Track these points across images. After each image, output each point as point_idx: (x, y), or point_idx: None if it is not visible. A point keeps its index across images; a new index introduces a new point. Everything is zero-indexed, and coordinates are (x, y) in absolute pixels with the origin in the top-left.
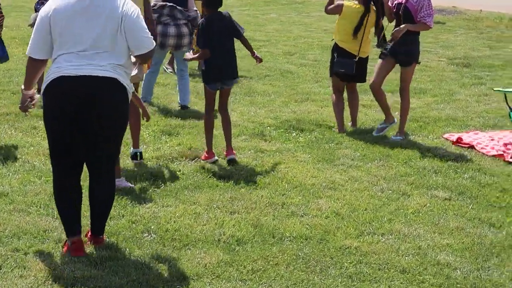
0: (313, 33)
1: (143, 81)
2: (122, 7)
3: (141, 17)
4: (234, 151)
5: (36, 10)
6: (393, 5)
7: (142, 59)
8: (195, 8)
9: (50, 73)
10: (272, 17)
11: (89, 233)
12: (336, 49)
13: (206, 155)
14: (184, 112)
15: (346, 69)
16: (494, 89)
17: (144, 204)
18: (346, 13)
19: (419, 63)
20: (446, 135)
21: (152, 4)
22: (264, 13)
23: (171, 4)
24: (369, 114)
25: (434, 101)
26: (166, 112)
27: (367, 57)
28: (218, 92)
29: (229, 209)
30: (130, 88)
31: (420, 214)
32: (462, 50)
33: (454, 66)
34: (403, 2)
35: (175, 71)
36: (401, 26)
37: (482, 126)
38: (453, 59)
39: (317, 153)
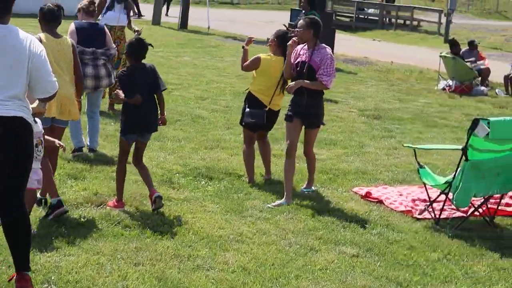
0: (226, 78)
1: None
2: (29, 46)
3: (48, 59)
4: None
5: None
6: (296, 62)
7: (43, 101)
8: (113, 46)
9: None
10: (186, 60)
11: (15, 276)
12: (248, 98)
13: (116, 204)
14: (92, 155)
15: (257, 120)
16: (404, 144)
17: (46, 253)
18: (264, 66)
19: (323, 124)
20: (355, 189)
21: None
22: (177, 56)
23: (91, 49)
24: (279, 164)
25: (344, 153)
26: None
27: (279, 110)
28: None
29: (134, 260)
30: (33, 123)
31: (328, 271)
32: (372, 102)
33: (364, 118)
34: (306, 60)
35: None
36: (294, 82)
37: (391, 180)
38: (364, 111)
39: (225, 203)
